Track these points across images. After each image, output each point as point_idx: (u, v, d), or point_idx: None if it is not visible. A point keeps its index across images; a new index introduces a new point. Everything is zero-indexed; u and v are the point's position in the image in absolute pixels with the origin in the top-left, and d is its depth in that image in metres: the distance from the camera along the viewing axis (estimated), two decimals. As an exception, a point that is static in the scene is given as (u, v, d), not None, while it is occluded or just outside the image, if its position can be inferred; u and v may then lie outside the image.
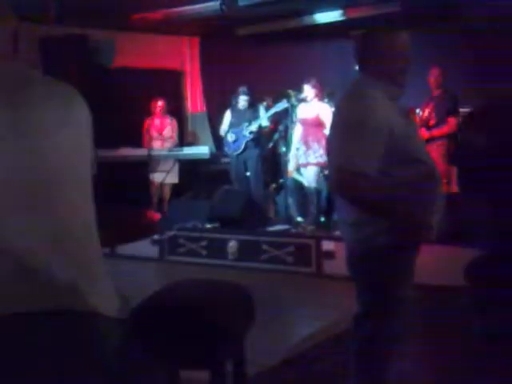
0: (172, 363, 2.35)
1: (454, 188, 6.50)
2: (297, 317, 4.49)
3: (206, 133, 9.62)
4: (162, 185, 8.14)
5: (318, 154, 6.59)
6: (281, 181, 7.35)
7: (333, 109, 6.35)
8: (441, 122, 6.32)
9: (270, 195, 7.80)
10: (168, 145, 8.22)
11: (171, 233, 6.62)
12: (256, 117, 7.59)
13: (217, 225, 6.73)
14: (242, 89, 7.64)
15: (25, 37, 1.54)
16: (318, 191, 6.66)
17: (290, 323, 4.47)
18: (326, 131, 6.49)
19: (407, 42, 2.43)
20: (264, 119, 7.58)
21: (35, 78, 1.43)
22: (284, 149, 6.93)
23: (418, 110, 6.44)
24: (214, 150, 8.67)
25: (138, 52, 8.42)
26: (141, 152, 7.96)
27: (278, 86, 7.54)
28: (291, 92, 6.68)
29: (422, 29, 6.68)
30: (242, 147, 7.62)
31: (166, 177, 7.97)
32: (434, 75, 6.39)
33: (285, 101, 6.76)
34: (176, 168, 8.11)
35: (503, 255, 3.20)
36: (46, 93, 1.41)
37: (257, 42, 8.77)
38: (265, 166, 7.81)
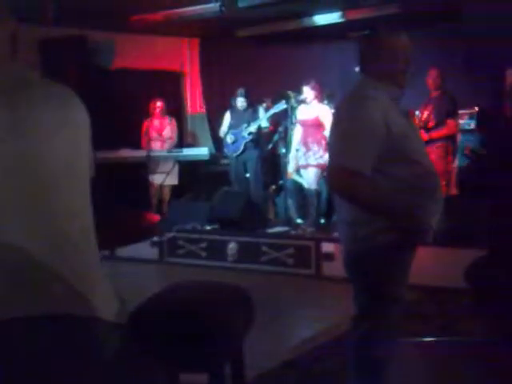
0: (171, 365, 2.35)
1: (453, 190, 6.51)
2: (296, 318, 4.49)
3: (205, 134, 9.62)
4: (161, 186, 8.13)
5: (317, 156, 6.59)
6: (280, 182, 7.34)
7: (332, 110, 6.40)
8: (440, 123, 6.31)
9: (270, 197, 7.80)
10: (168, 145, 8.21)
11: (171, 234, 6.62)
12: (255, 118, 7.59)
13: (216, 226, 6.73)
14: (240, 90, 7.65)
15: (24, 38, 1.54)
16: (317, 193, 6.66)
17: (290, 325, 4.47)
18: (326, 132, 6.50)
19: (408, 43, 2.49)
20: (263, 120, 7.58)
21: (33, 80, 1.43)
22: (284, 150, 6.93)
23: (417, 112, 6.43)
24: (213, 151, 8.66)
25: (137, 53, 8.42)
26: (140, 153, 7.95)
27: (277, 87, 7.53)
28: (291, 93, 6.67)
29: (421, 30, 6.68)
30: (242, 148, 7.62)
31: (165, 178, 7.96)
32: (432, 76, 6.38)
33: (284, 102, 6.76)
34: (175, 169, 8.11)
35: (503, 256, 3.21)
36: (44, 95, 1.41)
37: (256, 44, 8.78)
38: (264, 168, 7.80)
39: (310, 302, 4.96)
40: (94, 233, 1.46)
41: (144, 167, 8.00)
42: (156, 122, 8.30)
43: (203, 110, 9.79)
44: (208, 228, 6.69)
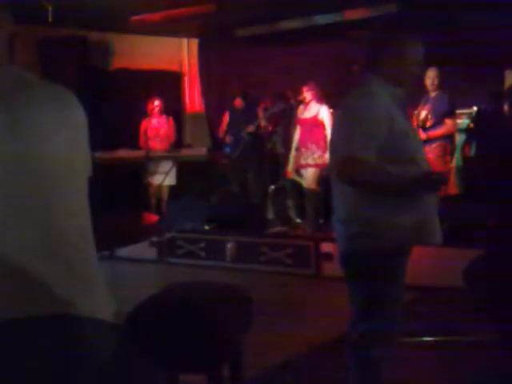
0: (169, 365, 2.34)
1: (452, 190, 6.51)
2: (296, 318, 4.48)
3: (204, 134, 9.62)
4: (160, 186, 8.12)
5: (316, 156, 6.59)
6: (279, 182, 7.34)
7: (331, 110, 6.41)
8: (438, 123, 6.31)
9: (269, 197, 7.80)
10: (166, 144, 8.20)
11: (169, 235, 6.62)
12: (254, 118, 7.59)
13: (215, 226, 6.73)
14: (239, 90, 7.66)
15: (22, 39, 1.54)
16: (316, 193, 6.66)
17: (290, 325, 4.46)
18: (325, 132, 6.51)
19: (421, 50, 2.54)
20: (262, 120, 7.58)
21: (32, 81, 1.43)
22: (283, 150, 6.93)
23: (415, 112, 6.43)
24: (212, 151, 8.66)
25: (136, 53, 8.42)
26: (139, 154, 7.95)
27: (276, 87, 7.54)
28: (290, 93, 6.68)
29: (419, 30, 6.68)
30: (241, 148, 7.62)
31: (164, 178, 7.95)
32: (430, 76, 6.38)
33: (283, 102, 6.76)
34: (174, 169, 8.10)
35: (502, 256, 3.21)
36: (42, 96, 1.41)
37: (255, 43, 8.77)
38: (263, 168, 7.80)
39: (309, 302, 4.95)
40: (91, 233, 1.46)
41: (143, 167, 8.00)
42: (154, 121, 8.29)
43: (202, 110, 9.79)
44: (207, 228, 6.69)
